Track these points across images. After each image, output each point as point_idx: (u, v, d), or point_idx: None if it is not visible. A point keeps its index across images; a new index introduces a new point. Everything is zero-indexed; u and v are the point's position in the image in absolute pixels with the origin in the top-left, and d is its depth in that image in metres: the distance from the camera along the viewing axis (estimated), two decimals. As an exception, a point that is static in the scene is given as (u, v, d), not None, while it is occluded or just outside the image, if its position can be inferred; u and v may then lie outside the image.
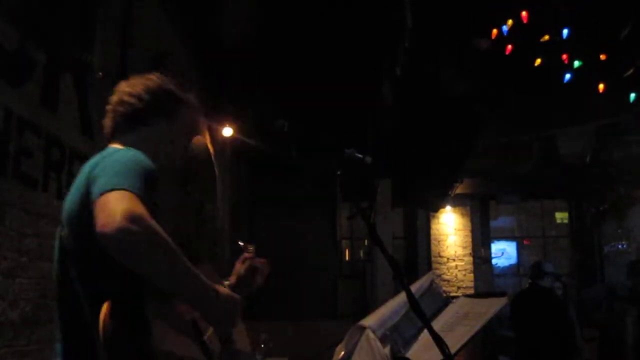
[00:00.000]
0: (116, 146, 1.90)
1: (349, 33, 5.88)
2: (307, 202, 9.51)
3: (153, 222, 1.53)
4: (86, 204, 1.64)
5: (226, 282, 2.26)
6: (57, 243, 1.85)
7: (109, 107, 2.01)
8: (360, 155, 2.11)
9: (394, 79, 6.80)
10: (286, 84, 6.71)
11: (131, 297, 1.65)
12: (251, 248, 2.47)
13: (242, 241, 2.50)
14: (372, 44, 6.12)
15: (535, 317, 5.91)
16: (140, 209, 1.52)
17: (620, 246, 11.77)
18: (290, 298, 8.74)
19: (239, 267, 2.36)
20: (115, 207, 1.50)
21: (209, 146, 7.04)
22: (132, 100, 1.96)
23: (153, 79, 2.03)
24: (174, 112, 2.02)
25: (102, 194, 1.55)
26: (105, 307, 1.59)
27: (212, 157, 7.16)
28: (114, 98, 2.01)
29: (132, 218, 1.48)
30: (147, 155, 1.80)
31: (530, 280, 6.20)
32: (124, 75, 2.15)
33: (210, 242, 7.08)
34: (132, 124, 1.97)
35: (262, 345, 3.88)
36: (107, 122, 2.00)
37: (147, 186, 1.63)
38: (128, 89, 2.00)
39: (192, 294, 1.67)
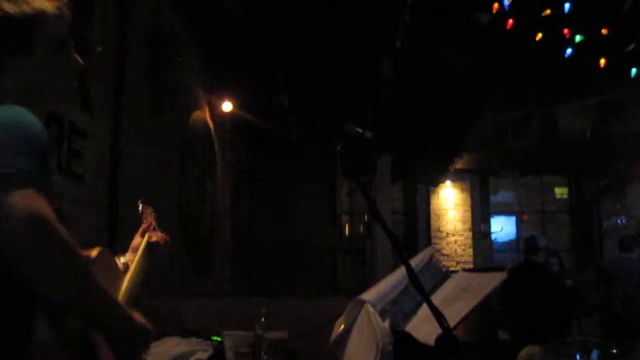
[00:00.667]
0: None
1: (349, 7, 5.83)
2: (307, 177, 9.52)
3: (54, 224, 1.27)
4: None
5: (122, 260, 2.02)
6: None
7: None
8: (360, 130, 2.10)
9: (394, 54, 6.76)
10: (286, 59, 6.67)
11: (16, 312, 1.37)
12: (151, 212, 2.18)
13: (142, 202, 2.18)
14: (372, 18, 6.08)
15: (529, 292, 5.94)
16: (35, 203, 1.25)
17: (619, 222, 11.80)
18: (290, 273, 8.79)
19: (137, 242, 2.10)
20: (10, 205, 1.23)
21: (209, 122, 7.03)
22: None
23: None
24: (30, 38, 1.55)
25: None
26: None
27: (212, 133, 7.15)
28: None
29: (30, 220, 1.23)
30: (25, 100, 1.46)
31: (524, 256, 6.23)
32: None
33: (210, 220, 7.10)
34: None
35: (262, 320, 3.90)
36: None
37: (35, 153, 1.36)
38: None
39: (94, 305, 1.39)
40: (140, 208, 2.17)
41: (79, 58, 1.75)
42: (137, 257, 2.01)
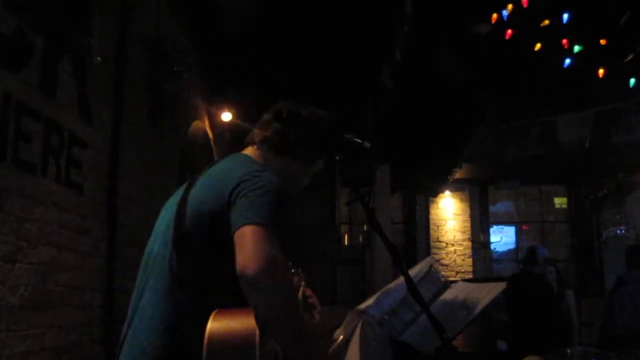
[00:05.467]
0: (250, 153, 2.02)
1: (348, 17, 5.85)
2: (305, 187, 9.51)
3: (287, 272, 1.66)
4: (222, 214, 1.69)
5: None
6: (169, 221, 1.84)
7: (269, 118, 2.06)
8: (359, 140, 2.10)
9: (394, 64, 6.77)
10: (286, 68, 6.68)
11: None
12: (302, 276, 2.43)
13: (293, 267, 2.43)
14: (371, 29, 6.09)
15: (525, 303, 5.92)
16: (278, 255, 1.58)
17: (618, 231, 11.79)
18: (290, 283, 8.76)
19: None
20: (258, 249, 1.56)
21: (208, 132, 7.03)
22: (296, 130, 2.01)
23: (325, 119, 2.08)
24: (318, 159, 2.10)
25: (245, 225, 1.61)
26: (212, 319, 1.58)
27: (211, 143, 7.15)
28: (281, 113, 2.03)
29: (272, 266, 1.54)
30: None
31: (522, 266, 6.19)
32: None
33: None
34: (280, 150, 2.01)
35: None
36: (261, 131, 2.05)
37: (279, 217, 1.69)
38: (297, 114, 2.04)
39: (296, 352, 1.67)
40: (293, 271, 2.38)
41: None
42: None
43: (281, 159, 2.02)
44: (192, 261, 1.76)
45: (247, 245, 1.57)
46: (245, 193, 1.70)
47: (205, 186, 1.83)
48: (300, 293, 2.26)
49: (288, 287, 1.62)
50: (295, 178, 2.09)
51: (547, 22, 6.28)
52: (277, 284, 1.56)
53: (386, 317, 2.81)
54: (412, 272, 2.90)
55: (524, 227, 13.96)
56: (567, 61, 6.74)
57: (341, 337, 2.93)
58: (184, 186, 1.91)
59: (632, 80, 7.14)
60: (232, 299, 1.61)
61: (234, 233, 1.61)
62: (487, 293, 2.92)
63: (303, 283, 2.36)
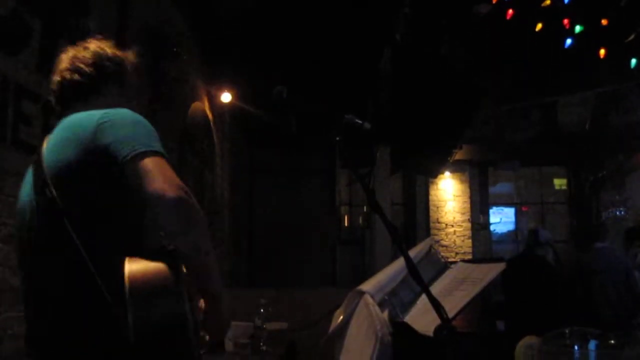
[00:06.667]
0: (83, 109, 1.80)
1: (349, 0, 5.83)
2: (306, 169, 9.52)
3: (186, 190, 1.56)
4: (91, 163, 1.61)
5: None
6: (33, 207, 1.76)
7: (56, 76, 1.92)
8: (359, 121, 2.10)
9: (394, 46, 6.74)
10: (286, 51, 6.65)
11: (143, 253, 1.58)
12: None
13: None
14: (372, 11, 6.06)
15: (526, 284, 5.94)
16: (171, 171, 1.57)
17: (618, 213, 11.81)
18: (290, 264, 8.80)
19: None
20: (169, 174, 1.55)
21: (208, 113, 7.02)
22: (84, 70, 1.90)
23: (97, 45, 1.99)
24: (123, 77, 2.00)
25: (143, 154, 1.56)
26: (128, 266, 1.51)
27: (211, 124, 7.14)
28: (63, 66, 1.92)
29: (185, 191, 1.53)
30: None
31: (524, 247, 6.20)
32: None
33: (209, 210, 7.10)
34: (86, 95, 1.89)
35: (262, 311, 3.91)
36: (57, 91, 1.93)
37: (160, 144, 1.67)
38: (77, 56, 1.93)
39: (206, 276, 1.64)
40: None
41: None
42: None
43: (103, 96, 1.91)
44: (67, 226, 1.62)
45: (155, 171, 1.54)
46: (116, 130, 1.64)
47: (57, 148, 1.70)
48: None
49: (202, 214, 1.60)
50: (126, 101, 1.98)
51: (548, 2, 6.24)
52: (196, 209, 1.56)
53: (386, 297, 2.83)
54: (412, 253, 2.91)
55: (523, 208, 13.98)
56: (568, 42, 6.71)
57: (341, 317, 2.94)
58: (30, 171, 1.81)
59: (633, 61, 7.11)
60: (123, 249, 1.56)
61: (134, 165, 1.54)
62: (486, 273, 2.93)
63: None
